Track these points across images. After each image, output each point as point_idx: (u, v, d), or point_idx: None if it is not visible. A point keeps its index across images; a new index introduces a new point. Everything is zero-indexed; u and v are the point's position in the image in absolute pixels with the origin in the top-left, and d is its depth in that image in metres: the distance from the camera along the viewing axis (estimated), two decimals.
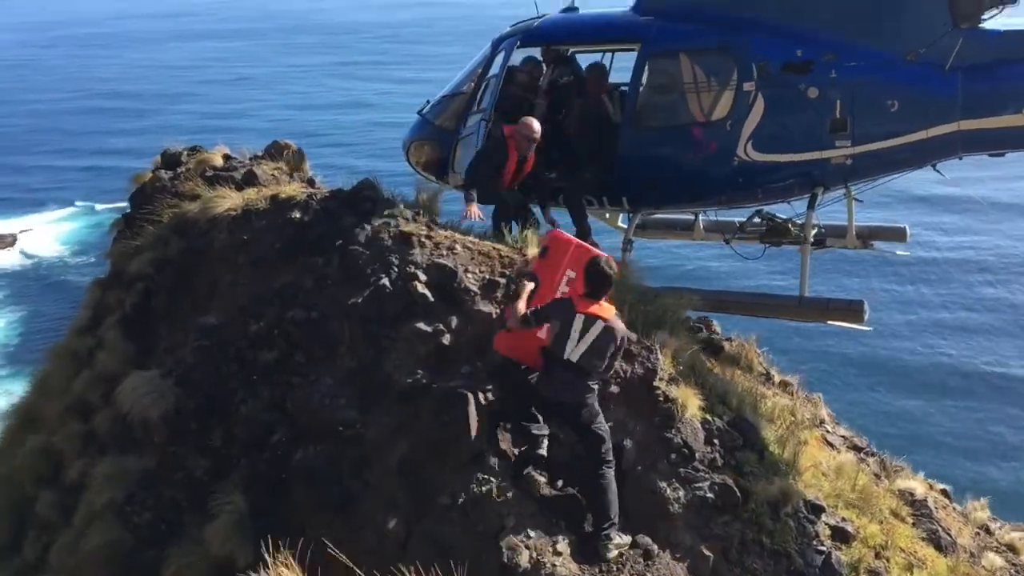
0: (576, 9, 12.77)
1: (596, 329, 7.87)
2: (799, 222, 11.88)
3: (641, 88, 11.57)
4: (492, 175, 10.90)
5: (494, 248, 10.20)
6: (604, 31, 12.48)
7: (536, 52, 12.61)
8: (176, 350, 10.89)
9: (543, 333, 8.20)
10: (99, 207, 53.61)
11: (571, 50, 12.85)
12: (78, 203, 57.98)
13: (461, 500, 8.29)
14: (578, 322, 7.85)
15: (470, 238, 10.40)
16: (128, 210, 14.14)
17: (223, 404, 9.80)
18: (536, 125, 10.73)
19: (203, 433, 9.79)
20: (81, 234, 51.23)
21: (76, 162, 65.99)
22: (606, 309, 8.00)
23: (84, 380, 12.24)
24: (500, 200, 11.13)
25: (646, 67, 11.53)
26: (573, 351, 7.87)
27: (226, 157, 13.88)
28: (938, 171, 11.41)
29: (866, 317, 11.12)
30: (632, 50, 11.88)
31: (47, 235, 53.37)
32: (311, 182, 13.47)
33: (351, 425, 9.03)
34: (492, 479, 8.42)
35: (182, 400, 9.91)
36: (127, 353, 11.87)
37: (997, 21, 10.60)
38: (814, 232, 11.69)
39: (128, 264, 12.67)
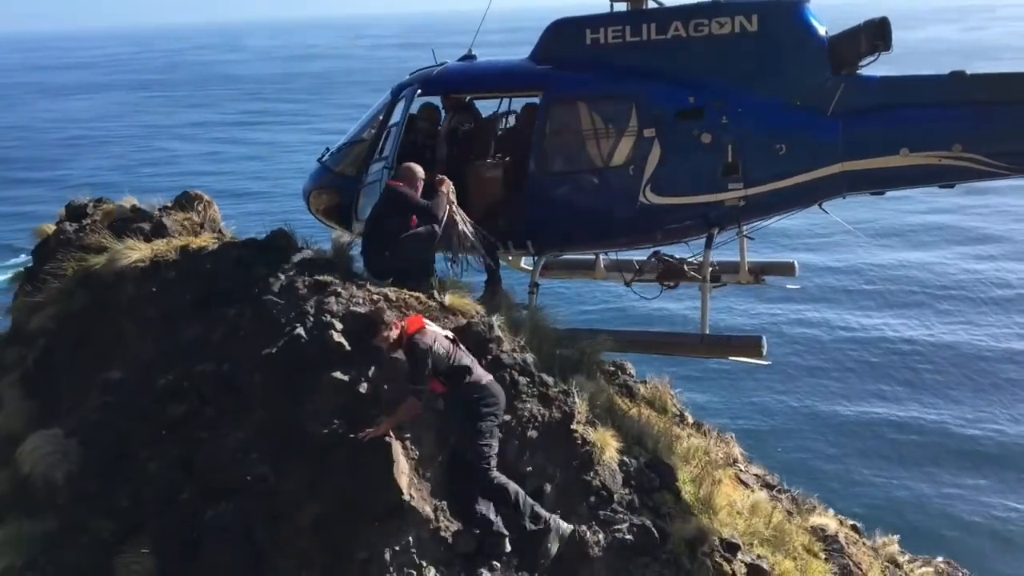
0: (474, 57, 13.00)
1: None
2: (694, 262, 12.22)
3: (545, 134, 11.81)
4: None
5: (411, 296, 10.19)
6: (506, 79, 12.74)
7: (435, 99, 12.78)
8: (80, 408, 10.50)
9: None
10: None
11: (469, 97, 13.06)
12: None
13: (380, 554, 8.17)
14: None
15: (386, 287, 10.36)
16: (30, 264, 13.66)
17: (130, 462, 9.45)
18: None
19: (109, 493, 9.42)
20: None
21: None
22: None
23: None
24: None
25: (549, 114, 11.78)
26: None
27: (134, 208, 13.52)
28: (824, 210, 11.95)
29: (764, 352, 11.48)
30: (533, 97, 12.15)
31: None
32: (222, 232, 13.25)
33: (263, 479, 8.82)
34: (411, 530, 8.33)
35: (86, 459, 9.54)
36: (28, 412, 11.36)
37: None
38: (709, 272, 12.04)
39: (29, 320, 12.22)
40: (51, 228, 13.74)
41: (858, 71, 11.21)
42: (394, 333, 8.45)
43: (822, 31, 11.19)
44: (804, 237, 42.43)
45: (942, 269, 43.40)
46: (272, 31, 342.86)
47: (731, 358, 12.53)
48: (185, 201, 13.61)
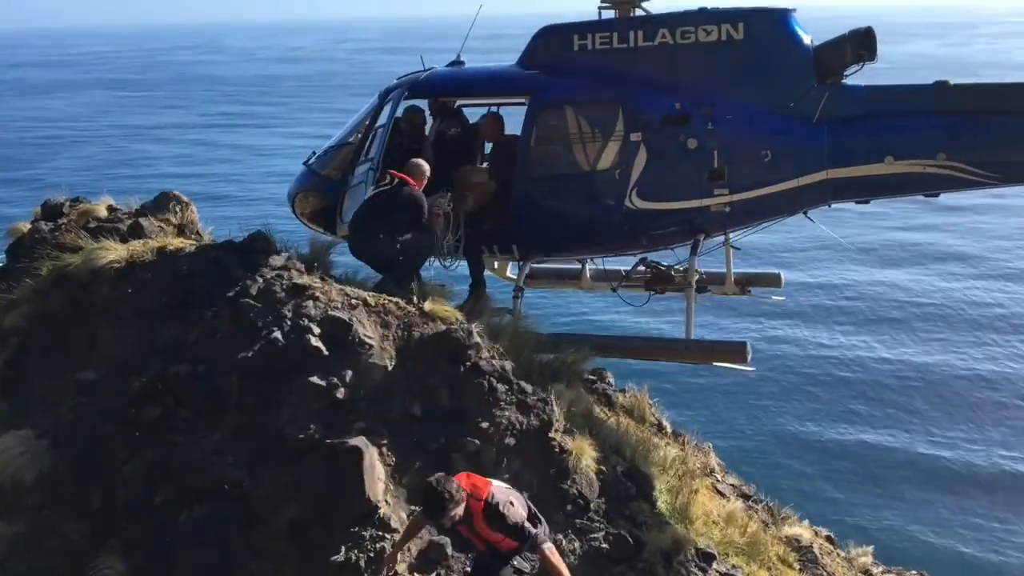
0: (462, 63, 13.03)
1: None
2: (681, 268, 12.27)
3: (531, 139, 11.84)
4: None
5: (390, 301, 10.15)
6: (494, 83, 12.77)
7: (422, 104, 12.80)
8: (53, 408, 10.38)
9: None
10: None
11: (458, 102, 13.07)
12: None
13: (355, 559, 8.12)
14: None
15: (366, 292, 10.32)
16: (4, 263, 13.50)
17: (103, 464, 9.35)
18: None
19: (81, 495, 9.31)
20: None
21: None
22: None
23: None
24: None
25: (536, 119, 11.81)
26: None
27: (111, 208, 13.41)
28: (810, 218, 12.04)
29: (749, 358, 11.53)
30: (521, 102, 12.19)
31: None
32: (200, 234, 13.16)
33: (238, 483, 8.75)
34: (386, 535, 8.28)
35: (58, 461, 9.42)
36: (0, 412, 11.23)
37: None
38: (695, 279, 12.08)
39: (3, 319, 12.06)
40: (26, 227, 13.59)
41: (843, 80, 11.33)
42: (460, 511, 7.11)
43: (807, 40, 11.31)
44: (780, 252, 42.61)
45: (919, 287, 43.65)
46: (254, 32, 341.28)
47: (716, 363, 12.57)
48: (162, 202, 13.50)
